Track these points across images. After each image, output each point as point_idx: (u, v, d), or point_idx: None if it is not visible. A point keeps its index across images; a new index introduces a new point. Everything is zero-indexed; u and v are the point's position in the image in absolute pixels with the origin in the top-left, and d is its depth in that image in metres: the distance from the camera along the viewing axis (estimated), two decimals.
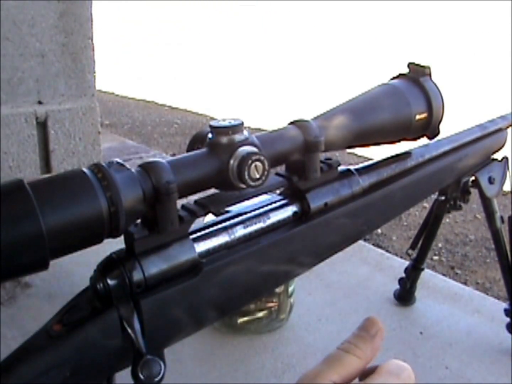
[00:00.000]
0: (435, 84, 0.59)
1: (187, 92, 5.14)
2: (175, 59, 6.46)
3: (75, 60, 1.74)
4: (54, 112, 1.74)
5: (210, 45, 7.07)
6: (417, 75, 0.59)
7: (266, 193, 0.48)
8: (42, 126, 1.73)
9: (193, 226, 0.44)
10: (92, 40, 1.76)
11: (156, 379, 0.37)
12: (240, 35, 7.48)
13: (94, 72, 1.79)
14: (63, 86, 1.74)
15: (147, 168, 0.40)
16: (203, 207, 0.44)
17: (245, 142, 0.44)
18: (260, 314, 1.06)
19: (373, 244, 1.83)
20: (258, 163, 0.43)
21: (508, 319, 1.05)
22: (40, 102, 1.72)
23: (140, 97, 5.11)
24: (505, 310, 1.05)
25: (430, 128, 0.59)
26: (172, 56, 6.58)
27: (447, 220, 2.49)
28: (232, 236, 0.45)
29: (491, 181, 0.92)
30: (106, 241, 0.39)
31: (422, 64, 0.60)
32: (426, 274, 1.20)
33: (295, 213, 0.49)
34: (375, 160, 0.59)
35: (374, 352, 0.38)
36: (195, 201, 0.44)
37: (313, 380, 0.36)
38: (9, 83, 1.65)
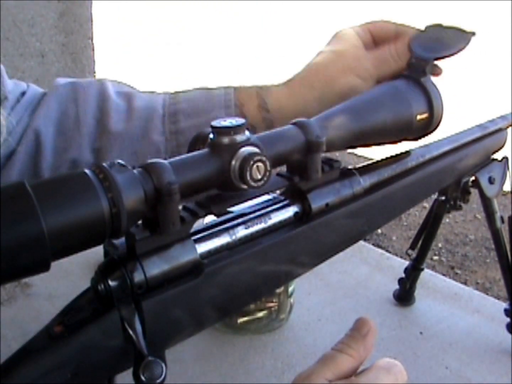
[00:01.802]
0: (434, 84, 0.59)
1: None
2: (175, 59, 6.45)
3: (75, 60, 1.74)
4: None
5: (210, 45, 7.07)
6: (417, 75, 0.59)
7: (267, 193, 0.48)
8: None
9: (194, 227, 0.44)
10: (92, 40, 1.76)
11: (158, 381, 0.37)
12: (240, 35, 7.48)
13: (94, 72, 1.80)
14: None
15: (149, 169, 0.40)
16: (205, 207, 0.44)
17: (246, 143, 0.43)
18: (260, 314, 1.06)
19: (373, 244, 1.83)
20: (260, 164, 0.43)
21: (508, 319, 1.05)
22: None
23: None
24: (505, 310, 1.05)
25: (431, 128, 0.59)
26: (172, 56, 6.58)
27: (447, 220, 2.49)
28: (234, 237, 0.45)
29: (491, 181, 0.92)
30: None
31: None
32: (426, 274, 1.20)
33: (296, 213, 0.49)
34: (375, 160, 0.59)
35: (367, 351, 0.40)
36: (196, 202, 0.44)
37: (308, 379, 0.37)
38: None
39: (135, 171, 0.39)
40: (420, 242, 1.13)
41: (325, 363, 0.38)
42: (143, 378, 0.37)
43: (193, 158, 0.43)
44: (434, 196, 1.04)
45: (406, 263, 1.19)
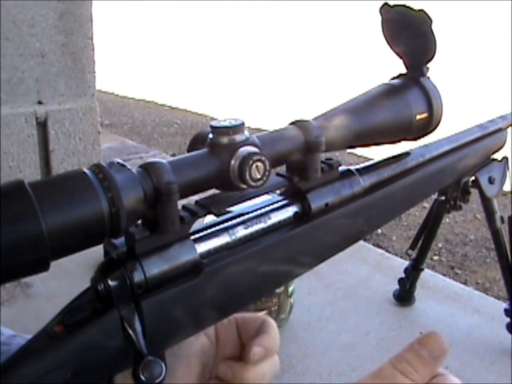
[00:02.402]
0: (433, 84, 0.59)
1: (187, 92, 5.14)
2: (175, 60, 6.45)
3: (75, 60, 1.74)
4: (54, 112, 1.74)
5: (210, 45, 7.07)
6: (417, 75, 0.59)
7: (267, 193, 0.48)
8: (42, 126, 1.74)
9: (194, 227, 0.44)
10: (92, 40, 1.76)
11: (157, 380, 0.37)
12: (241, 35, 7.48)
13: (94, 72, 1.80)
14: (63, 86, 1.74)
15: (148, 169, 0.40)
16: (204, 207, 0.44)
17: (246, 142, 0.43)
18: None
19: (373, 244, 1.83)
20: (259, 164, 0.43)
21: (508, 319, 1.05)
22: (40, 102, 1.71)
23: (140, 97, 5.11)
24: (505, 310, 1.05)
25: (430, 128, 0.59)
26: (172, 57, 6.58)
27: (447, 220, 2.49)
28: (233, 237, 0.45)
29: (491, 181, 0.92)
30: None
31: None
32: (426, 274, 1.20)
33: (296, 213, 0.49)
34: (375, 160, 0.59)
35: (431, 375, 0.34)
36: (196, 202, 0.44)
37: None
38: (9, 83, 1.65)
39: (134, 171, 0.39)
40: (420, 242, 1.13)
41: (382, 382, 0.34)
42: (142, 377, 0.37)
43: (192, 158, 0.43)
44: (434, 196, 1.04)
45: (406, 263, 1.19)
